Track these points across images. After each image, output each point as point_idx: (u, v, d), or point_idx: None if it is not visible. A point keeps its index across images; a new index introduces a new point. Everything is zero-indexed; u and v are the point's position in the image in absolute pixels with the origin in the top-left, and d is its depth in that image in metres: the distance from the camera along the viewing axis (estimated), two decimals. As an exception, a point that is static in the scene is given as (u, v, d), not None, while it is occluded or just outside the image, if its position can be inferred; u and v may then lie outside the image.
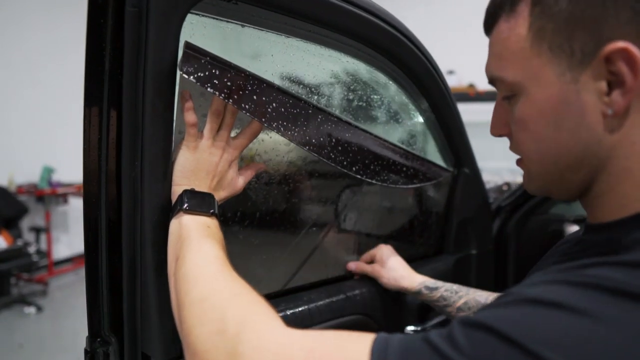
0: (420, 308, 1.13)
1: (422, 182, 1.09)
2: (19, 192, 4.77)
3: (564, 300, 0.38)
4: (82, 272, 4.84)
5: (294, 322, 0.85)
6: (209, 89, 0.64)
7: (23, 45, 4.87)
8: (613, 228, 0.48)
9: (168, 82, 0.64)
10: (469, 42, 4.79)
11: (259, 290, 0.55)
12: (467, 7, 5.13)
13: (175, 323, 0.67)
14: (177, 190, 0.66)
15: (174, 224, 0.64)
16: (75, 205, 5.36)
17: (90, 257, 0.66)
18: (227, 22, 0.74)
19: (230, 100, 0.66)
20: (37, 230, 4.80)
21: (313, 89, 0.93)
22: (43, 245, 4.82)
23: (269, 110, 0.70)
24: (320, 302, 0.92)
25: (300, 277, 1.00)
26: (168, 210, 0.66)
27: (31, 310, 3.99)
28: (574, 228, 1.53)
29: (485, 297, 0.94)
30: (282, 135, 0.73)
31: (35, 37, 4.95)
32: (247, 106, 0.67)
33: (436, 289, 0.97)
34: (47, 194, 4.86)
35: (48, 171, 4.91)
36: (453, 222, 1.30)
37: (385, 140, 0.96)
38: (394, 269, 1.01)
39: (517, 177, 3.10)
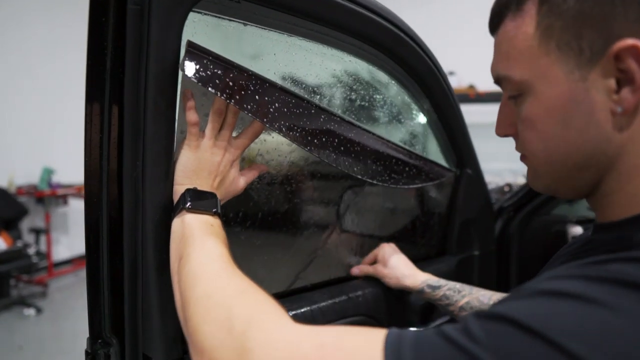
0: (423, 309, 1.12)
1: (424, 183, 1.09)
2: (18, 193, 4.77)
3: (581, 291, 0.38)
4: (81, 273, 4.86)
5: (296, 323, 0.84)
6: (210, 89, 0.63)
7: (22, 46, 4.86)
8: (624, 226, 0.47)
9: (170, 81, 0.63)
10: (469, 43, 4.79)
11: (261, 291, 0.54)
12: (467, 8, 5.13)
13: (177, 324, 0.67)
14: (179, 189, 0.65)
15: (176, 223, 0.63)
16: (75, 207, 5.36)
17: (91, 257, 0.66)
18: (230, 20, 0.73)
19: (232, 101, 0.65)
20: (36, 232, 4.79)
21: (315, 89, 0.92)
22: (43, 247, 4.81)
23: (271, 110, 0.70)
24: (323, 304, 0.92)
25: (303, 278, 0.99)
26: (170, 210, 0.66)
27: (31, 312, 3.98)
28: (576, 229, 1.53)
29: (488, 296, 0.93)
30: (284, 135, 0.72)
31: (34, 37, 4.94)
32: (249, 106, 0.67)
33: (439, 287, 0.97)
34: (47, 195, 4.85)
35: (48, 172, 4.90)
36: (455, 222, 1.30)
37: (387, 141, 0.95)
38: (396, 268, 1.01)
39: (518, 178, 3.09)
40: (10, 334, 3.68)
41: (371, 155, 0.91)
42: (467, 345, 0.37)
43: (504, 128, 0.56)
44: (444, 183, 1.24)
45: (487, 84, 4.83)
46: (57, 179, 5.02)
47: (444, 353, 0.38)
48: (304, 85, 0.89)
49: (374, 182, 0.93)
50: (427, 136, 1.22)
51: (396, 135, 1.16)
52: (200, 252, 0.58)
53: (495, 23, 0.52)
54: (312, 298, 0.92)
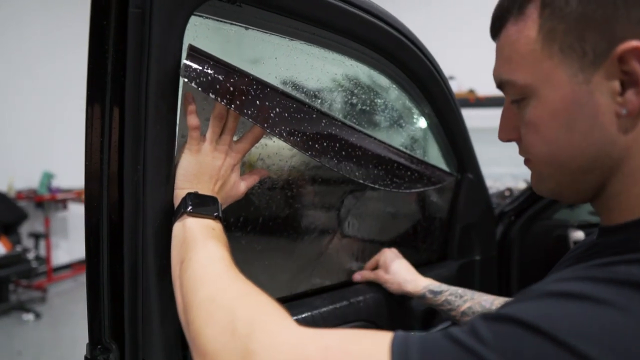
0: (425, 314, 1.12)
1: (425, 187, 1.09)
2: (18, 197, 4.76)
3: (589, 292, 0.38)
4: (81, 278, 4.85)
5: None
6: (211, 94, 0.63)
7: (22, 48, 4.87)
8: (630, 229, 0.47)
9: (171, 84, 0.63)
10: (469, 48, 4.80)
11: (263, 296, 0.53)
12: (467, 13, 5.15)
13: (177, 329, 0.66)
14: (180, 194, 0.65)
15: (177, 227, 0.63)
16: (75, 211, 5.35)
17: (91, 262, 0.65)
18: (231, 24, 0.73)
19: (233, 106, 0.65)
20: (36, 236, 4.79)
21: (317, 93, 0.92)
22: (42, 252, 4.80)
23: (272, 115, 0.70)
24: (324, 309, 0.91)
25: (304, 284, 0.99)
26: (171, 214, 0.65)
27: (30, 317, 3.97)
28: (578, 233, 1.52)
29: (490, 301, 0.93)
30: (285, 140, 0.72)
31: (34, 40, 4.96)
32: (249, 111, 0.67)
33: (440, 292, 0.96)
34: (47, 200, 4.84)
35: (48, 177, 4.90)
36: (456, 227, 1.29)
37: (388, 145, 0.95)
38: (398, 273, 1.00)
39: (519, 182, 3.09)
40: (9, 339, 3.67)
41: (372, 160, 0.90)
42: (474, 347, 0.37)
43: (507, 133, 0.56)
44: (445, 187, 1.23)
45: (487, 89, 4.84)
46: (56, 183, 5.02)
47: (452, 355, 0.38)
48: (305, 90, 0.89)
49: (375, 186, 0.92)
50: (428, 140, 1.22)
51: (397, 139, 1.15)
52: (202, 255, 0.57)
53: (497, 27, 0.52)
54: (313, 303, 0.92)
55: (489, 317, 0.39)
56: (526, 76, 0.49)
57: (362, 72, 1.00)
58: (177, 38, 0.62)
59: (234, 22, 0.73)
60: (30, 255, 4.27)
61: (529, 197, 1.58)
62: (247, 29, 0.75)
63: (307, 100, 0.77)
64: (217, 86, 0.63)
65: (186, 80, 0.62)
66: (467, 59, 4.57)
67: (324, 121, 0.79)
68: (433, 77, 1.04)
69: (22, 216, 4.65)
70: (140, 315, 0.66)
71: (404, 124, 1.16)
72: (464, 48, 4.77)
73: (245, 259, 0.88)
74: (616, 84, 0.44)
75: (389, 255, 1.04)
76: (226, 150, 0.68)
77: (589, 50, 0.45)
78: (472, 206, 1.31)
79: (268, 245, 0.94)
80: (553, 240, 1.59)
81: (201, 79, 0.62)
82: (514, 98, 0.52)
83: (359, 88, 1.01)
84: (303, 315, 0.87)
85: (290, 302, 0.92)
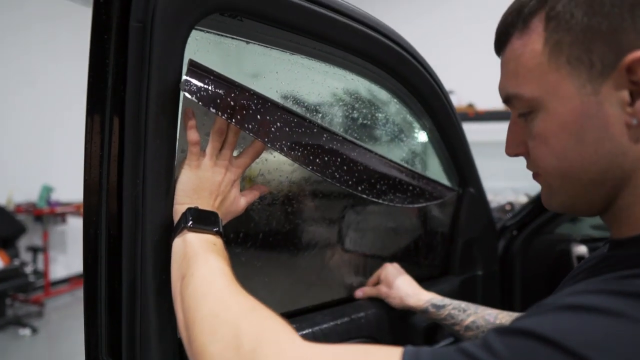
0: (427, 330, 1.10)
1: (427, 202, 1.08)
2: (17, 211, 4.75)
3: (603, 305, 0.37)
4: (78, 293, 4.81)
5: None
6: (212, 109, 0.63)
7: (22, 63, 4.90)
8: None
9: (171, 99, 0.63)
10: (468, 62, 4.84)
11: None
12: (466, 28, 5.20)
13: (175, 346, 0.65)
14: (179, 209, 0.64)
15: (177, 243, 0.62)
16: (74, 225, 5.33)
17: (89, 277, 0.64)
18: (232, 38, 0.73)
19: (234, 120, 0.65)
20: (34, 250, 4.76)
21: (318, 107, 0.92)
22: (40, 265, 4.77)
23: (273, 130, 0.69)
24: (325, 325, 0.90)
25: (305, 300, 0.97)
26: (170, 229, 0.64)
27: (26, 332, 3.92)
28: (581, 248, 1.51)
29: (494, 315, 0.91)
30: (286, 155, 0.71)
31: (34, 53, 4.99)
32: (250, 126, 0.66)
33: (443, 307, 0.95)
34: (46, 214, 4.83)
35: (47, 190, 4.89)
36: (458, 242, 1.28)
37: (390, 160, 0.94)
38: (399, 288, 0.99)
39: (519, 196, 3.09)
40: (4, 354, 3.62)
41: (374, 175, 0.90)
42: None
43: (514, 147, 0.55)
44: (447, 202, 1.23)
45: (486, 103, 4.86)
46: (56, 196, 5.01)
47: None
48: (306, 104, 0.89)
49: (377, 201, 0.92)
50: (429, 155, 1.21)
51: (398, 153, 1.15)
52: (204, 270, 0.56)
53: (502, 42, 0.53)
54: (314, 320, 0.90)
55: (502, 331, 0.39)
56: (533, 89, 0.49)
57: (363, 86, 1.00)
58: (178, 52, 0.62)
59: (235, 37, 0.73)
60: (28, 269, 4.24)
61: (531, 211, 1.58)
62: (248, 43, 0.75)
63: (307, 116, 0.77)
64: (218, 101, 0.63)
65: (187, 94, 0.61)
66: (467, 73, 4.60)
67: (325, 136, 0.78)
68: (434, 92, 1.04)
69: (21, 230, 4.62)
70: (138, 331, 0.65)
71: (404, 138, 1.16)
72: (463, 62, 4.80)
73: (246, 275, 0.87)
74: (625, 94, 0.44)
75: (390, 270, 1.03)
76: (226, 165, 0.68)
77: (597, 62, 0.45)
78: (474, 221, 1.30)
79: (269, 261, 0.93)
80: (556, 255, 1.57)
81: (201, 93, 0.62)
82: (521, 112, 0.52)
83: (360, 102, 1.01)
84: (304, 332, 0.86)
85: (291, 318, 0.91)
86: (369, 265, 1.11)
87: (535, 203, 1.59)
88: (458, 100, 5.03)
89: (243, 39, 0.74)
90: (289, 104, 0.85)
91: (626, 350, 0.35)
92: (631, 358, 0.34)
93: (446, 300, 0.96)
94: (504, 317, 0.91)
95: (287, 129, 0.71)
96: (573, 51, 0.46)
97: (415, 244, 1.25)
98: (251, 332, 0.47)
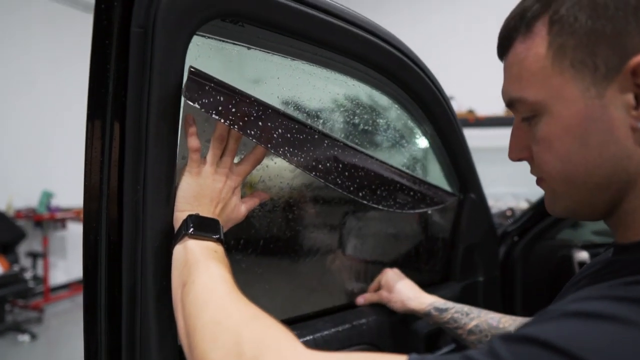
0: (428, 337, 1.09)
1: (428, 207, 1.08)
2: (17, 216, 4.74)
3: (610, 312, 0.37)
4: (78, 299, 4.79)
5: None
6: (213, 115, 0.63)
7: (22, 68, 4.91)
8: None
9: (173, 104, 0.62)
10: (468, 68, 4.85)
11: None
12: (466, 34, 5.22)
13: (175, 353, 0.65)
14: (180, 216, 0.64)
15: (178, 250, 0.61)
16: (74, 231, 5.32)
17: (89, 283, 0.64)
18: (233, 44, 0.73)
19: (236, 127, 0.65)
20: (34, 256, 4.75)
21: (319, 113, 0.92)
22: (40, 271, 4.76)
23: (275, 136, 0.69)
24: (326, 332, 0.90)
25: (305, 306, 0.97)
26: (171, 235, 0.64)
27: (25, 338, 3.91)
28: (582, 254, 1.51)
29: (497, 319, 0.91)
30: (288, 161, 0.71)
31: (34, 59, 5.00)
32: (252, 132, 0.66)
33: (446, 310, 0.94)
34: (46, 219, 4.82)
35: (47, 196, 4.88)
36: (459, 248, 1.28)
37: (391, 166, 0.94)
38: (401, 291, 0.99)
39: (520, 202, 3.08)
40: (3, 361, 3.61)
41: (375, 180, 0.90)
42: None
43: (517, 152, 0.55)
44: (447, 208, 1.22)
45: (486, 109, 4.87)
46: (56, 202, 5.00)
47: None
48: (307, 110, 0.89)
49: (378, 207, 0.92)
50: (430, 160, 1.21)
51: (399, 159, 1.15)
52: (205, 278, 0.56)
53: (505, 46, 0.52)
54: (315, 326, 0.90)
55: (508, 337, 0.39)
56: (537, 93, 0.49)
57: (364, 92, 0.99)
58: (179, 58, 0.62)
59: (236, 42, 0.73)
60: (28, 275, 4.23)
61: (532, 217, 1.57)
62: (249, 48, 0.75)
63: (308, 122, 0.77)
64: (219, 107, 0.63)
65: (187, 100, 0.61)
66: (467, 79, 4.60)
67: (326, 142, 0.78)
68: (435, 97, 1.04)
69: (21, 235, 4.62)
70: (138, 338, 0.64)
71: (406, 144, 1.16)
72: (463, 68, 4.81)
73: (247, 282, 0.87)
74: (630, 98, 0.44)
75: (390, 275, 1.03)
76: (227, 172, 0.67)
77: (601, 65, 0.44)
78: (475, 226, 1.30)
79: (269, 267, 0.92)
80: (557, 261, 1.57)
81: (202, 99, 0.62)
82: (525, 116, 0.52)
83: (361, 108, 1.01)
84: (305, 339, 0.86)
85: (292, 325, 0.90)
86: (370, 271, 1.10)
87: (536, 209, 1.59)
88: (458, 106, 5.04)
89: (244, 44, 0.74)
90: (290, 110, 0.85)
91: (632, 357, 0.34)
92: None
93: (449, 304, 0.95)
94: (507, 321, 0.90)
95: (288, 135, 0.71)
96: (577, 54, 0.45)
97: (416, 249, 1.24)
98: (252, 340, 0.47)
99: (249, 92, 0.67)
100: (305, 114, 0.89)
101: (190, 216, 0.62)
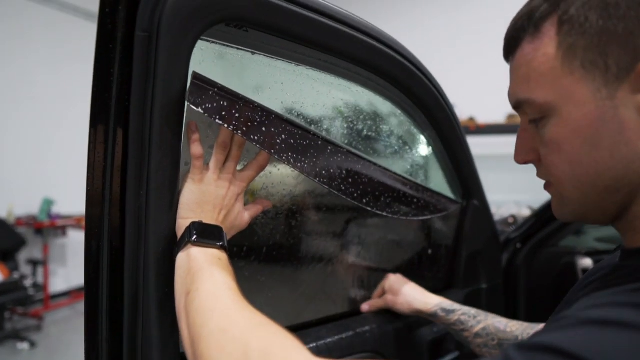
0: (432, 344, 1.08)
1: (432, 214, 1.07)
2: (17, 224, 4.73)
3: (624, 319, 0.36)
4: (78, 306, 4.76)
5: None
6: (217, 120, 0.62)
7: (22, 75, 4.92)
8: None
9: (177, 109, 0.62)
10: (469, 76, 4.86)
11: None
12: (467, 41, 5.23)
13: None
14: (182, 223, 0.63)
15: (181, 257, 0.60)
16: (74, 238, 5.31)
17: (90, 289, 0.63)
18: (238, 49, 0.73)
19: (239, 132, 0.64)
20: (34, 263, 4.74)
21: (322, 118, 0.92)
22: (40, 279, 4.74)
23: (278, 141, 0.69)
24: (329, 339, 0.89)
25: (309, 314, 0.96)
26: (174, 241, 0.63)
27: (24, 346, 3.89)
28: (586, 261, 1.50)
29: (504, 323, 0.90)
30: (292, 167, 0.71)
31: (34, 68, 5.02)
32: (255, 138, 0.66)
33: (453, 311, 0.93)
34: (46, 227, 4.81)
35: (48, 203, 4.88)
36: (462, 255, 1.27)
37: (394, 172, 0.94)
38: (406, 294, 0.98)
39: (522, 209, 3.08)
40: (2, 369, 3.58)
41: (378, 187, 0.89)
42: None
43: (524, 154, 0.54)
44: (451, 215, 1.22)
45: (487, 116, 4.87)
46: (56, 209, 4.99)
47: None
48: (311, 115, 0.89)
49: (382, 213, 0.91)
50: (433, 167, 1.21)
51: (402, 165, 1.14)
52: (209, 285, 0.55)
53: (512, 47, 0.52)
54: (319, 334, 0.89)
55: (523, 346, 0.38)
56: (546, 94, 0.48)
57: (368, 98, 0.99)
58: (183, 62, 0.62)
59: (241, 47, 0.73)
60: (28, 283, 4.22)
61: (535, 224, 1.57)
62: (253, 54, 0.75)
63: (312, 128, 0.77)
64: (223, 112, 0.63)
65: (190, 105, 0.61)
66: (468, 87, 4.61)
67: (329, 148, 0.78)
68: (438, 104, 1.04)
69: (21, 242, 4.61)
70: (139, 346, 0.63)
71: (409, 150, 1.16)
72: (464, 76, 4.82)
73: (250, 289, 0.86)
74: None
75: (394, 279, 1.02)
76: (230, 178, 0.67)
77: (612, 65, 0.44)
78: (478, 233, 1.29)
79: (272, 275, 0.92)
80: (560, 268, 1.56)
81: (206, 105, 0.61)
82: (532, 117, 0.51)
83: (364, 114, 1.00)
84: (308, 346, 0.84)
85: (295, 333, 0.89)
86: (374, 278, 1.10)
87: (539, 216, 1.58)
88: (459, 113, 5.04)
89: (248, 49, 0.74)
90: (293, 116, 0.85)
91: None
92: None
93: (456, 305, 0.94)
94: (514, 326, 0.89)
95: (292, 141, 0.71)
96: (588, 55, 0.45)
97: (419, 257, 1.24)
98: (260, 348, 0.46)
99: (253, 98, 0.66)
100: (309, 119, 0.89)
101: (193, 223, 0.62)
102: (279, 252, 0.92)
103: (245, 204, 0.71)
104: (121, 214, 0.62)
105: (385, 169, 0.91)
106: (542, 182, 0.55)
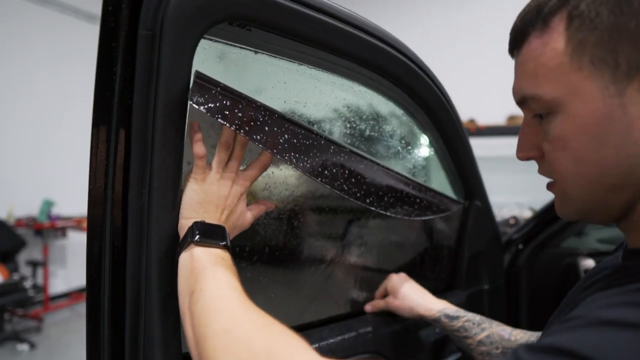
0: (434, 345, 1.08)
1: (434, 214, 1.07)
2: (17, 225, 4.73)
3: (634, 319, 0.36)
4: (78, 308, 4.75)
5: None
6: (219, 120, 0.62)
7: (23, 76, 4.93)
8: None
9: (179, 109, 0.62)
10: (469, 78, 4.86)
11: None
12: (467, 42, 5.23)
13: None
14: (185, 223, 0.63)
15: (184, 258, 0.60)
16: (74, 239, 5.31)
17: (91, 289, 0.62)
18: (241, 47, 0.72)
19: (242, 131, 0.64)
20: (34, 264, 4.73)
21: (325, 118, 0.91)
22: (39, 280, 4.73)
23: (281, 141, 0.69)
24: (332, 340, 0.88)
25: (311, 314, 0.95)
26: (176, 242, 0.63)
27: (24, 347, 3.88)
28: (588, 262, 1.49)
29: (509, 331, 0.89)
30: (295, 166, 0.71)
31: (34, 68, 5.02)
32: (258, 137, 0.65)
33: (457, 318, 0.92)
34: (46, 228, 4.81)
35: (48, 204, 4.87)
36: (464, 255, 1.27)
37: (396, 172, 0.93)
38: (408, 298, 0.96)
39: (523, 210, 3.07)
40: (2, 370, 3.58)
41: (381, 187, 0.89)
42: None
43: (526, 150, 0.53)
44: (453, 215, 1.21)
45: (487, 118, 4.87)
46: (56, 211, 4.99)
47: None
48: (313, 114, 0.88)
49: (384, 213, 0.91)
50: (435, 167, 1.20)
51: (405, 166, 1.14)
52: (213, 285, 0.55)
53: (519, 42, 0.51)
54: (321, 335, 0.88)
55: (533, 347, 0.37)
56: (554, 90, 0.47)
57: (370, 98, 0.99)
58: (186, 61, 0.61)
59: (243, 46, 0.73)
60: (27, 284, 4.21)
61: (537, 224, 1.56)
62: (256, 52, 0.75)
63: (314, 128, 0.76)
64: (226, 111, 0.62)
65: (193, 104, 0.60)
66: (468, 89, 4.61)
67: (332, 148, 0.77)
68: (441, 104, 1.03)
69: (21, 244, 4.60)
70: (141, 347, 0.63)
71: (411, 150, 1.15)
72: (464, 77, 4.82)
73: (252, 290, 0.86)
74: None
75: (395, 279, 1.01)
76: (233, 178, 0.66)
77: (622, 62, 0.43)
78: (480, 234, 1.29)
79: (275, 275, 0.91)
80: (562, 269, 1.56)
81: (209, 104, 0.61)
82: (538, 112, 0.50)
83: (367, 114, 1.00)
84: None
85: (298, 333, 0.89)
86: (376, 278, 1.09)
87: (541, 217, 1.58)
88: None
89: (251, 48, 0.74)
90: (296, 115, 0.84)
91: None
92: None
93: (460, 312, 0.93)
94: (519, 334, 0.88)
95: (294, 140, 0.70)
96: (597, 51, 0.44)
97: (422, 257, 1.23)
98: (265, 349, 0.45)
99: (256, 97, 0.66)
100: (311, 119, 0.88)
101: (196, 223, 0.61)
102: (281, 253, 0.92)
103: (247, 204, 0.71)
104: (123, 213, 0.62)
105: (387, 168, 0.91)
106: (544, 183, 0.55)
